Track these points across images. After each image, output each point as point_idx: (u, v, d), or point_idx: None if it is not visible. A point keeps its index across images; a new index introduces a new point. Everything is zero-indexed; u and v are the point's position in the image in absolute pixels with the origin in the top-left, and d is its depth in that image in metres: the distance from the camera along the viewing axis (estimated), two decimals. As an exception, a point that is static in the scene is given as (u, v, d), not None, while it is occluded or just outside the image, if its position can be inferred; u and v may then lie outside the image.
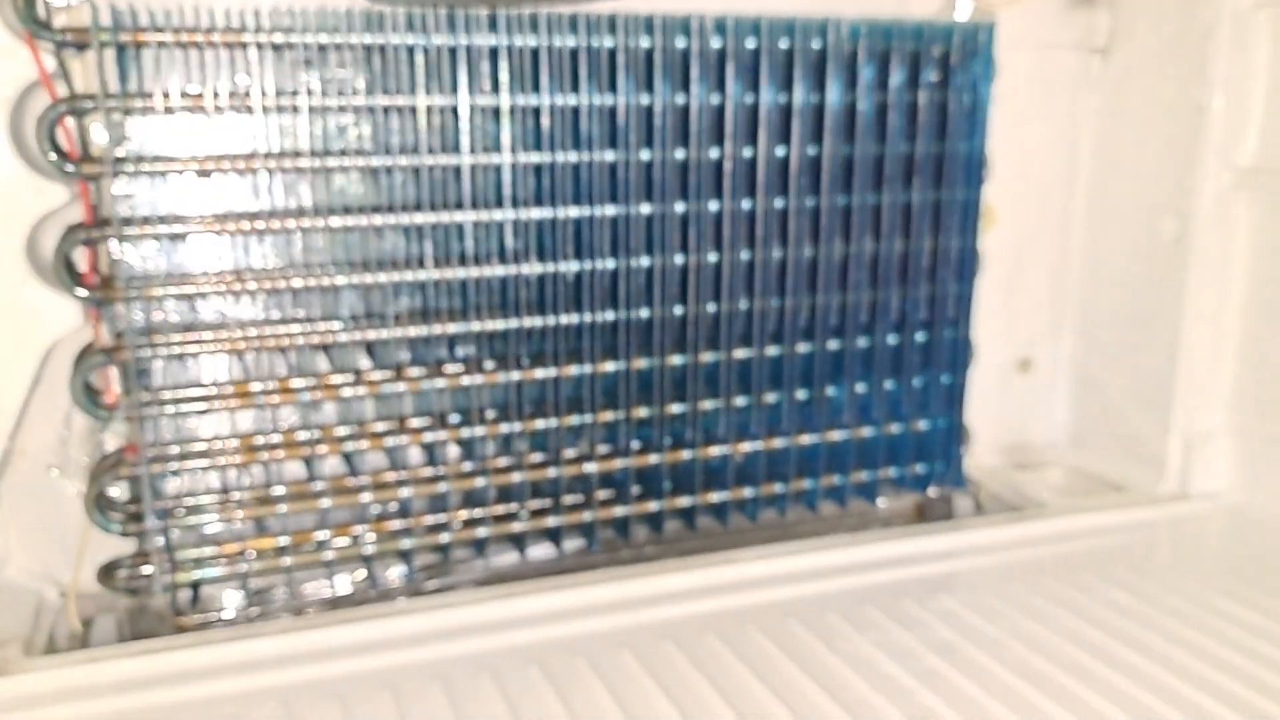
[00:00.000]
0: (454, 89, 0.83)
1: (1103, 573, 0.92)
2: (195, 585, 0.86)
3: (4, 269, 0.78)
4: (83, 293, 0.79)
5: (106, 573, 0.84)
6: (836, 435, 1.02)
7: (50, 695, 0.73)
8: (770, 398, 0.98)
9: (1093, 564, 0.94)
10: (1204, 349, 1.06)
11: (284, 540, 0.87)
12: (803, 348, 0.98)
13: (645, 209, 0.90)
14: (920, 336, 1.02)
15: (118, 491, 0.84)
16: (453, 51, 0.83)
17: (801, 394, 0.99)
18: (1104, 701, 0.73)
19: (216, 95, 0.79)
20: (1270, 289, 1.03)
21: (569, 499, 0.94)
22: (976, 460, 1.15)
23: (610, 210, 0.89)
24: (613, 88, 0.87)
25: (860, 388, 1.01)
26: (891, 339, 1.01)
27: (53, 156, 0.76)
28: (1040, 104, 1.12)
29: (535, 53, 0.85)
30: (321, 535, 0.88)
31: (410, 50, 0.82)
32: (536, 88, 0.85)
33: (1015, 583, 0.91)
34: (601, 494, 0.95)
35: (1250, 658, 0.79)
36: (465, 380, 0.89)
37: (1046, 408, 1.21)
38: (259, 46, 0.79)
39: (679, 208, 0.91)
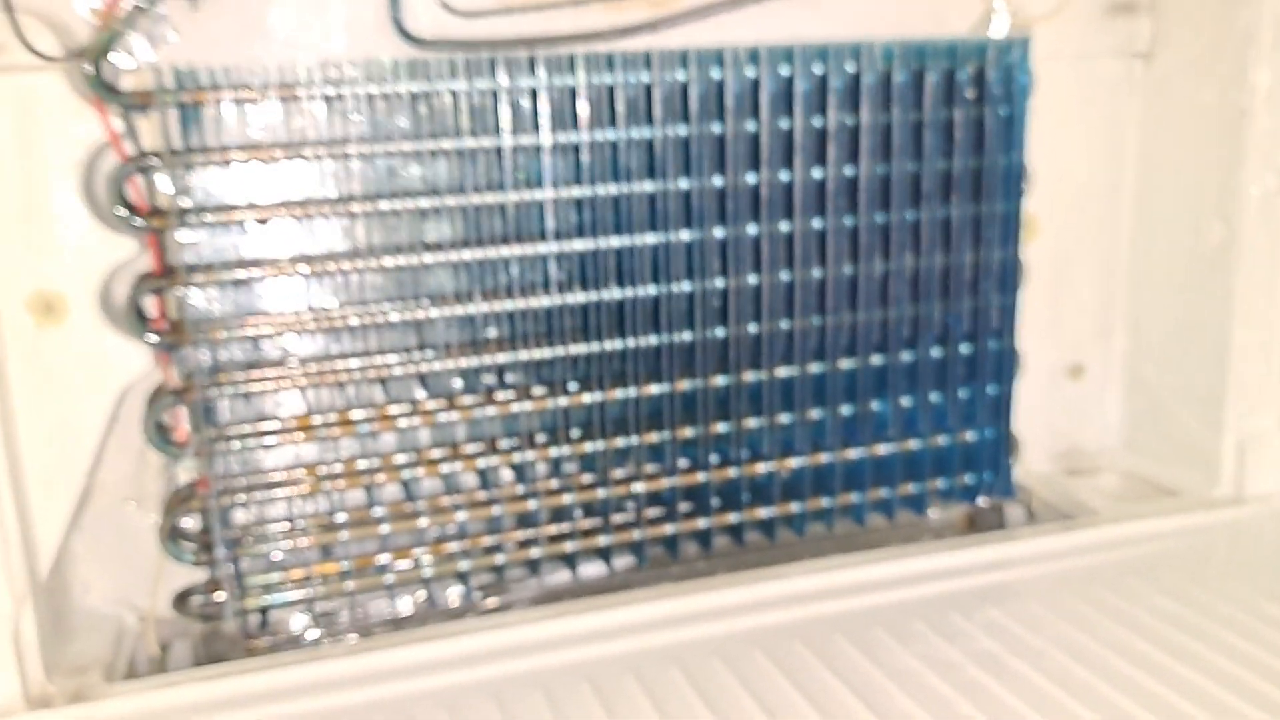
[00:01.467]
0: (497, 130, 0.87)
1: (1152, 580, 0.92)
2: (264, 610, 0.90)
3: (80, 318, 0.82)
4: (153, 338, 0.83)
5: (181, 600, 0.89)
6: (882, 449, 1.03)
7: (134, 717, 0.78)
8: (815, 414, 1.00)
9: (1143, 571, 0.94)
10: (1255, 350, 1.05)
11: (347, 565, 0.91)
12: (845, 364, 1.00)
13: (685, 235, 0.93)
14: (965, 348, 1.03)
15: (190, 523, 0.89)
16: (494, 94, 0.86)
17: (846, 409, 1.01)
18: (1143, 711, 0.74)
19: (271, 146, 0.83)
20: (1319, 290, 1.02)
21: (618, 518, 0.97)
22: (1028, 468, 1.15)
23: (651, 239, 0.92)
24: (649, 121, 0.90)
25: (905, 401, 1.03)
26: (935, 352, 1.03)
27: (122, 212, 0.81)
28: (1083, 111, 1.11)
29: (573, 91, 0.88)
30: (383, 559, 0.92)
31: (455, 95, 0.85)
32: (575, 124, 0.88)
33: (1063, 592, 0.92)
34: (650, 512, 0.98)
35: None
36: (515, 407, 0.92)
37: (1099, 413, 1.20)
38: (310, 99, 0.83)
39: (718, 233, 0.93)
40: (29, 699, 0.79)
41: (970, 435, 1.06)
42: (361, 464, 0.91)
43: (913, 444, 1.04)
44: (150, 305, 0.84)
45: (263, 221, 0.85)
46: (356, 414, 0.90)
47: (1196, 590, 0.90)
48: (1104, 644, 0.83)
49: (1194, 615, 0.86)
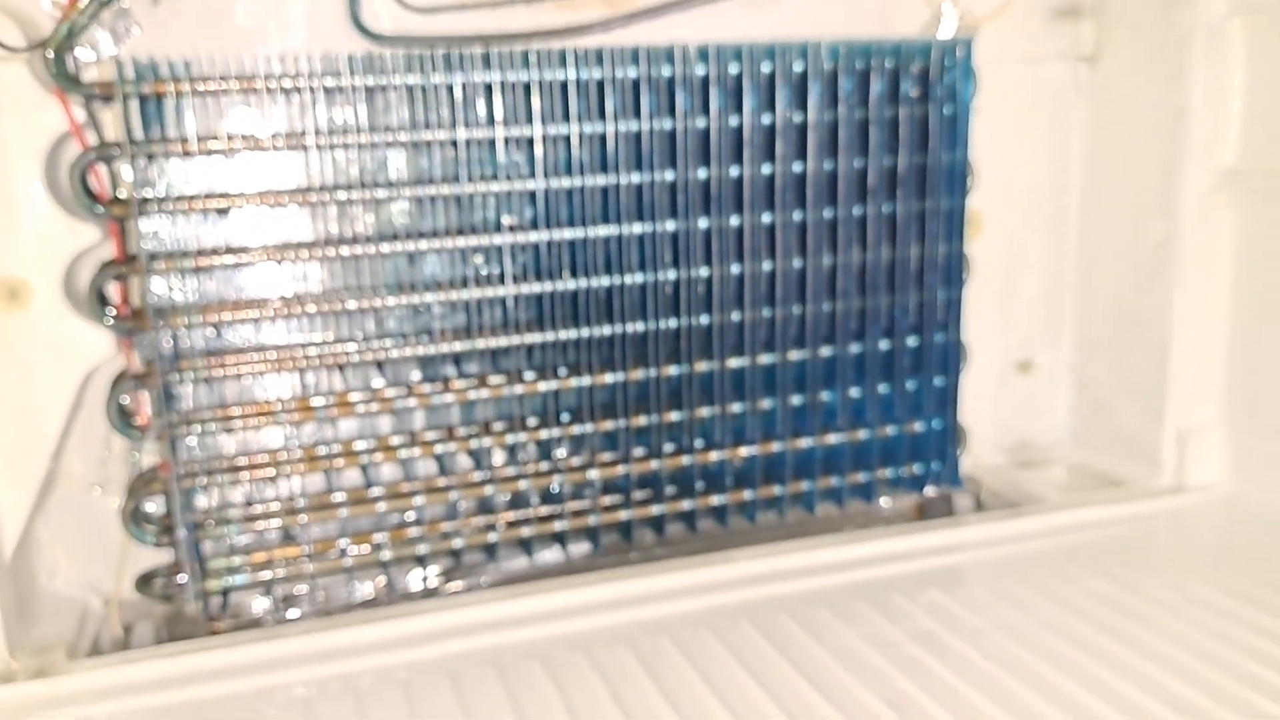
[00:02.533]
0: (452, 123, 0.89)
1: (1091, 565, 0.95)
2: (225, 592, 0.92)
3: (44, 304, 0.84)
4: (115, 324, 0.85)
5: (144, 582, 0.91)
6: (832, 438, 1.06)
7: (94, 693, 0.80)
8: (765, 404, 1.03)
9: (1083, 557, 0.97)
10: (1194, 345, 1.09)
11: (307, 549, 0.93)
12: (795, 355, 1.02)
13: (637, 229, 0.95)
14: (912, 341, 1.06)
15: (152, 506, 0.91)
16: (449, 88, 0.89)
17: (796, 399, 1.04)
18: (1074, 685, 0.76)
19: (231, 137, 0.85)
20: (1256, 285, 1.06)
21: (574, 504, 0.99)
22: (979, 459, 1.18)
23: (603, 231, 0.94)
24: (602, 116, 0.93)
25: (854, 392, 1.06)
26: (883, 344, 1.05)
27: (85, 200, 0.83)
28: (1029, 113, 1.15)
29: (527, 86, 0.90)
30: (342, 543, 0.94)
31: (410, 89, 0.88)
32: (529, 119, 0.91)
33: (1004, 576, 0.95)
34: (605, 499, 1.00)
35: (1230, 646, 0.81)
36: (472, 394, 0.95)
37: (1047, 407, 1.24)
38: (269, 91, 0.85)
39: (669, 226, 0.96)
40: (-17, 678, 0.81)
41: (918, 426, 1.09)
42: (321, 449, 0.93)
43: (861, 434, 1.07)
44: (113, 291, 0.86)
45: (223, 211, 0.87)
46: (316, 400, 0.92)
47: (1131, 574, 0.93)
48: (1040, 624, 0.85)
49: (1129, 598, 0.89)
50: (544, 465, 0.98)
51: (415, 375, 0.95)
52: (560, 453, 0.99)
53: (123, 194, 0.85)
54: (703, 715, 0.74)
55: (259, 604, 0.95)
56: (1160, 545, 1.04)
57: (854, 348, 1.04)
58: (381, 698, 0.78)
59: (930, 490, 1.12)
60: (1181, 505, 1.09)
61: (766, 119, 0.97)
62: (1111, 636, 0.83)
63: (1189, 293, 1.08)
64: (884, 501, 1.12)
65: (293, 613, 0.96)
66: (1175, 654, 0.81)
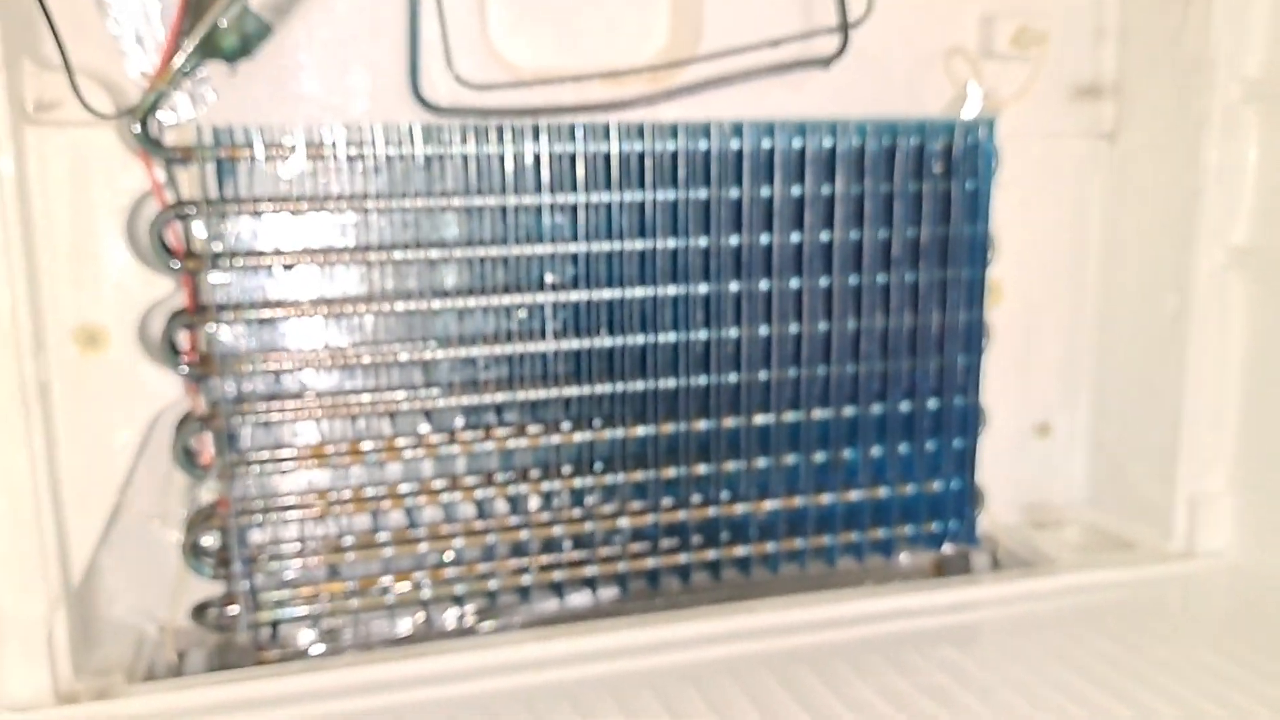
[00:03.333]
0: (502, 190, 0.95)
1: (1100, 626, 0.99)
2: (275, 624, 0.98)
3: (120, 350, 0.91)
4: (184, 369, 0.92)
5: (199, 612, 0.97)
6: (853, 495, 1.10)
7: (150, 715, 0.85)
8: (790, 459, 1.07)
9: (1093, 618, 1.01)
10: (1206, 415, 1.13)
11: (352, 585, 0.99)
12: (819, 414, 1.07)
13: (671, 290, 1.01)
14: (932, 403, 1.11)
15: (210, 540, 0.96)
16: (500, 158, 0.95)
17: (819, 456, 1.08)
18: None
19: (297, 199, 0.92)
20: (1266, 358, 1.10)
21: (604, 551, 1.04)
22: (996, 519, 1.22)
23: (640, 292, 1.00)
24: (641, 185, 0.99)
25: (876, 451, 1.10)
26: (904, 406, 1.10)
27: (161, 254, 0.90)
28: (1051, 187, 1.20)
29: (573, 157, 0.97)
30: (385, 581, 0.99)
31: (465, 157, 0.94)
32: (574, 187, 0.97)
33: (1016, 635, 0.99)
34: (634, 546, 1.05)
35: (1231, 710, 0.85)
36: (511, 443, 1.00)
37: (1065, 470, 1.27)
38: (334, 157, 0.92)
39: (702, 289, 1.02)
40: (58, 695, 0.86)
41: (937, 485, 1.13)
42: (369, 491, 0.99)
43: (882, 491, 1.11)
44: (183, 339, 0.92)
45: (288, 267, 0.93)
46: (366, 444, 0.97)
47: (1139, 637, 0.96)
48: (1047, 682, 0.89)
49: (1135, 660, 0.92)
50: (577, 512, 1.03)
51: (459, 422, 1.00)
52: (592, 500, 1.04)
53: (196, 249, 0.91)
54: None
55: (305, 636, 1.00)
56: (1168, 609, 1.07)
57: (876, 408, 1.09)
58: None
59: (948, 548, 1.16)
60: (1191, 570, 1.12)
61: (796, 190, 1.02)
62: (1116, 698, 0.86)
63: (1201, 363, 1.12)
64: (903, 558, 1.16)
65: (336, 646, 1.01)
66: (1176, 716, 0.84)
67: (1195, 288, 1.11)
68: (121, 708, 0.86)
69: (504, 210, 0.96)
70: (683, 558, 1.06)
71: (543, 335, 0.99)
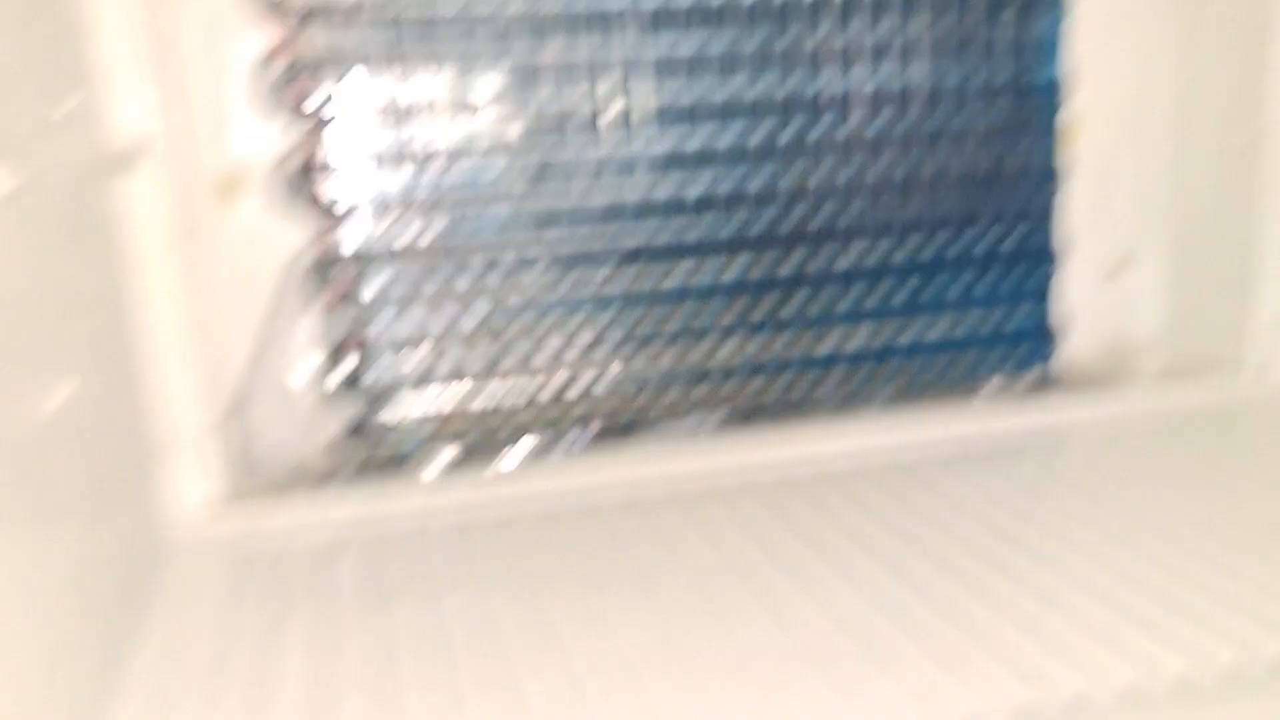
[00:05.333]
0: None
1: (1180, 442, 1.04)
2: (407, 451, 1.06)
3: (256, 197, 0.99)
4: (316, 215, 1.00)
5: (339, 439, 1.05)
6: (940, 326, 1.16)
7: (301, 529, 0.94)
8: (877, 295, 1.14)
9: (1173, 435, 1.06)
10: (1279, 242, 1.16)
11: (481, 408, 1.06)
12: (908, 245, 1.13)
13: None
14: (1014, 238, 1.16)
15: (347, 371, 1.04)
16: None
17: (902, 293, 1.14)
18: (1166, 548, 0.82)
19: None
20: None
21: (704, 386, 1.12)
22: (1075, 352, 1.26)
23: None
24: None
25: (957, 286, 1.16)
26: (988, 240, 1.15)
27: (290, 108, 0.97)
28: (1128, 21, 1.20)
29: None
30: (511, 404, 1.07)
31: None
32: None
33: (1097, 450, 1.05)
34: (730, 382, 1.12)
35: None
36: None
37: (1145, 302, 1.28)
38: (446, 9, 0.97)
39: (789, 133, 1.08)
40: (219, 505, 0.96)
41: (1018, 318, 1.18)
42: (495, 321, 1.05)
43: (962, 325, 1.17)
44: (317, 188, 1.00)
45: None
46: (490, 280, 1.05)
47: (1222, 453, 1.03)
48: (1132, 490, 0.94)
49: (1216, 472, 0.98)
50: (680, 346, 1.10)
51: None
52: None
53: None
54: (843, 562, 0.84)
55: (441, 456, 1.07)
56: (1249, 428, 1.11)
57: (961, 243, 1.14)
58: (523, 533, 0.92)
59: (1029, 379, 1.21)
60: (1271, 394, 1.15)
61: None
62: (1202, 505, 0.90)
63: (1277, 191, 1.15)
64: (986, 389, 1.21)
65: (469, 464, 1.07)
66: (1257, 518, 0.88)
67: (1269, 116, 1.13)
68: (273, 518, 0.95)
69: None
70: (770, 391, 1.13)
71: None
